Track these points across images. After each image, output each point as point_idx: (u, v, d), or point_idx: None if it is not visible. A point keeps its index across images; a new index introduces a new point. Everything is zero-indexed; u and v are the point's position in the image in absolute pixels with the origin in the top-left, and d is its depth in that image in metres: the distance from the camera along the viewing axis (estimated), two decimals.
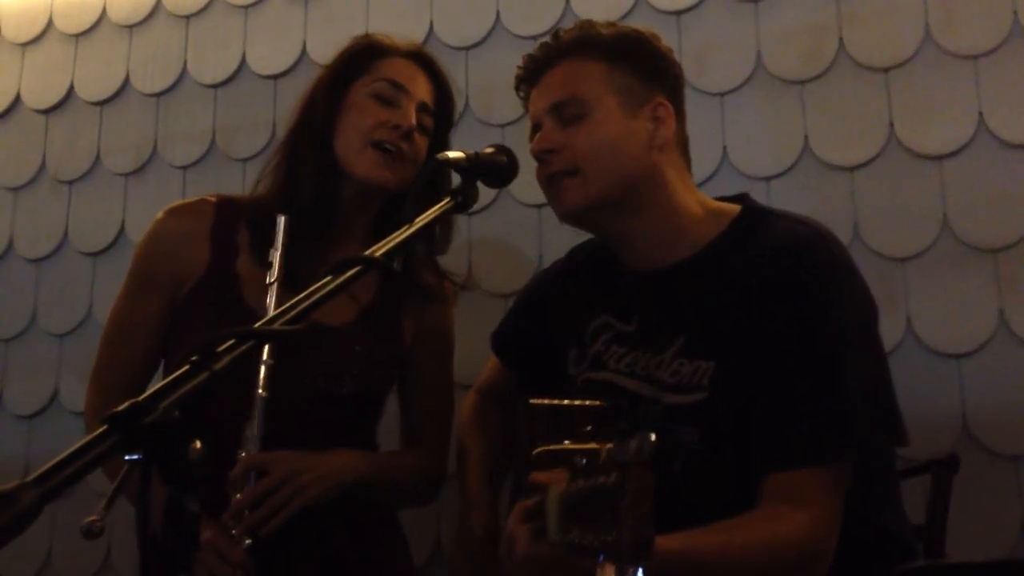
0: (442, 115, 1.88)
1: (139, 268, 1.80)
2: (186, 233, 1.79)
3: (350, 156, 1.76)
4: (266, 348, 1.56)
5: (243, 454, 1.57)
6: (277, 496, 1.57)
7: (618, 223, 1.62)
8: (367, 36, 1.91)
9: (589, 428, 1.40)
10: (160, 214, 1.84)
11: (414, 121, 1.78)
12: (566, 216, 1.64)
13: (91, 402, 1.78)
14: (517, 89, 1.73)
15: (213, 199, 1.84)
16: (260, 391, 1.56)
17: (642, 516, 0.89)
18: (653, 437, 0.92)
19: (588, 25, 1.67)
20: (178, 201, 1.87)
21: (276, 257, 1.63)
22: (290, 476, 1.58)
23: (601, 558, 0.93)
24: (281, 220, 1.66)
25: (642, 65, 1.64)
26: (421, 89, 1.83)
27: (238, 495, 1.56)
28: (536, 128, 1.66)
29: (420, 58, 1.87)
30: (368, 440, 1.86)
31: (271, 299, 1.60)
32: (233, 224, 1.81)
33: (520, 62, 1.72)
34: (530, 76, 1.69)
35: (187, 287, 1.75)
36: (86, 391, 1.81)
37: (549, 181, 1.63)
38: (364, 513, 1.76)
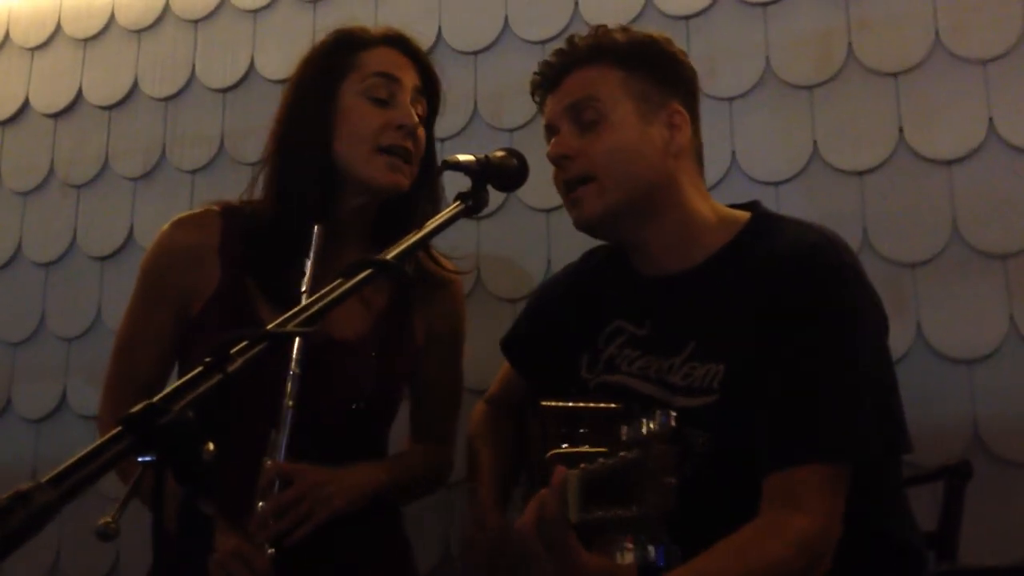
0: (431, 96, 1.85)
1: (147, 282, 1.77)
2: (194, 247, 1.74)
3: (357, 164, 1.71)
4: (294, 359, 1.56)
5: (269, 462, 1.56)
6: (303, 506, 1.56)
7: (634, 231, 1.62)
8: (340, 30, 1.82)
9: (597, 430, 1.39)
10: (166, 227, 1.79)
11: (416, 118, 1.75)
12: (582, 224, 1.64)
13: (105, 418, 1.75)
14: (533, 95, 1.73)
15: (217, 208, 1.79)
16: (288, 400, 1.56)
17: (664, 489, 0.88)
18: (673, 414, 0.92)
19: (603, 31, 1.67)
20: (184, 212, 1.82)
21: (308, 266, 1.62)
22: (315, 487, 1.58)
23: (630, 544, 0.93)
24: (316, 229, 1.64)
25: (658, 71, 1.64)
26: (411, 75, 1.79)
27: (262, 504, 1.55)
28: (552, 131, 1.66)
29: (400, 42, 1.81)
30: (381, 446, 1.86)
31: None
32: (240, 236, 1.76)
33: (536, 68, 1.71)
34: (547, 82, 1.68)
35: (199, 304, 1.72)
36: (99, 407, 1.79)
37: (566, 187, 1.63)
38: (373, 520, 1.74)
